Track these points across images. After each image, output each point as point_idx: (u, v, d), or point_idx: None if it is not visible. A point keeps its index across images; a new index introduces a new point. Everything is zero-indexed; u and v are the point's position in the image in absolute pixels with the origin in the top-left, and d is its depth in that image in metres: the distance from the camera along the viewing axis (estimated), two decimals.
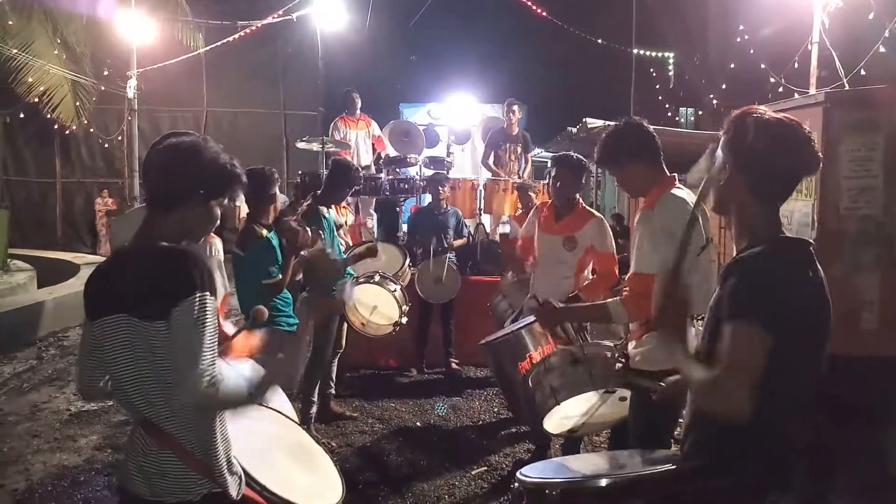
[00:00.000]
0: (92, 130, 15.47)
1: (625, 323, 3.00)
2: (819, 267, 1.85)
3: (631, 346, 2.98)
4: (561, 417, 2.91)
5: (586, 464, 2.54)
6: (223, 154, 2.05)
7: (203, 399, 1.84)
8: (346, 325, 5.43)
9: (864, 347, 4.65)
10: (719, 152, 1.95)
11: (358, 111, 8.69)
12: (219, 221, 2.13)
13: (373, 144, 8.80)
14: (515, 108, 8.52)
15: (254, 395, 1.99)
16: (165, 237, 1.97)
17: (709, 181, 1.98)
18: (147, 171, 2.03)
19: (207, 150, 2.02)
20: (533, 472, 2.12)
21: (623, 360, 2.94)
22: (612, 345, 2.99)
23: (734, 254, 1.91)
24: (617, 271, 4.24)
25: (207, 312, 1.86)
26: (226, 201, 2.09)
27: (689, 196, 2.94)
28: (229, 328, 3.05)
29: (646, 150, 3.03)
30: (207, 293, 1.87)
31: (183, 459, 1.92)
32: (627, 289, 2.91)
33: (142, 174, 2.08)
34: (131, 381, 1.92)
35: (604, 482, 1.97)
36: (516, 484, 2.09)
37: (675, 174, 3.04)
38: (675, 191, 2.93)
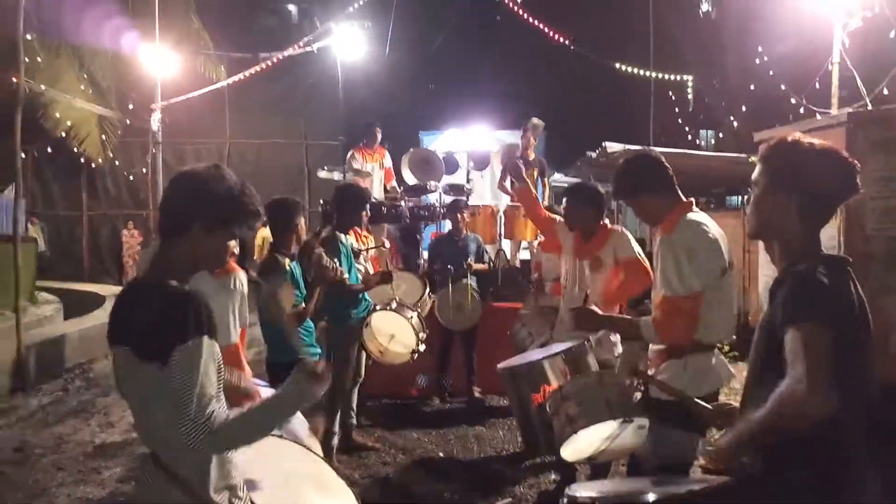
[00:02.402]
0: (117, 163, 15.71)
1: (654, 343, 2.98)
2: (857, 284, 1.87)
3: (650, 373, 2.97)
4: (578, 446, 2.88)
5: (629, 484, 2.52)
6: (232, 183, 2.02)
7: (201, 445, 1.86)
8: (364, 353, 5.42)
9: (893, 371, 4.54)
10: (759, 177, 1.98)
11: (377, 144, 8.79)
12: (236, 252, 2.13)
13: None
14: (531, 130, 8.52)
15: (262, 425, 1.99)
16: (176, 268, 1.99)
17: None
18: (162, 200, 2.07)
19: (210, 179, 2.00)
20: (581, 490, 2.12)
21: (643, 388, 2.92)
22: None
23: (770, 275, 1.92)
24: (650, 271, 4.11)
25: (202, 356, 1.86)
26: (240, 231, 2.06)
27: (705, 219, 2.97)
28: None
29: (659, 181, 3.08)
30: (203, 337, 1.87)
31: (185, 492, 1.92)
32: (659, 311, 2.91)
33: None
34: (135, 411, 1.98)
35: (652, 497, 1.96)
36: (565, 500, 2.08)
37: (692, 198, 3.07)
38: (691, 215, 2.97)
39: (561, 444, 2.83)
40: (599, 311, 3.07)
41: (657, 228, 3.09)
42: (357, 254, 5.64)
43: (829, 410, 1.65)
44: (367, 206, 5.40)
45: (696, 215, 2.98)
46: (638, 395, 2.92)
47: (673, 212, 3.00)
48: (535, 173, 8.62)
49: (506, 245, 8.67)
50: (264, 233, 5.14)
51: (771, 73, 11.67)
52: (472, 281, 6.79)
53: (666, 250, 2.90)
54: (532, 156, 8.58)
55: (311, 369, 2.03)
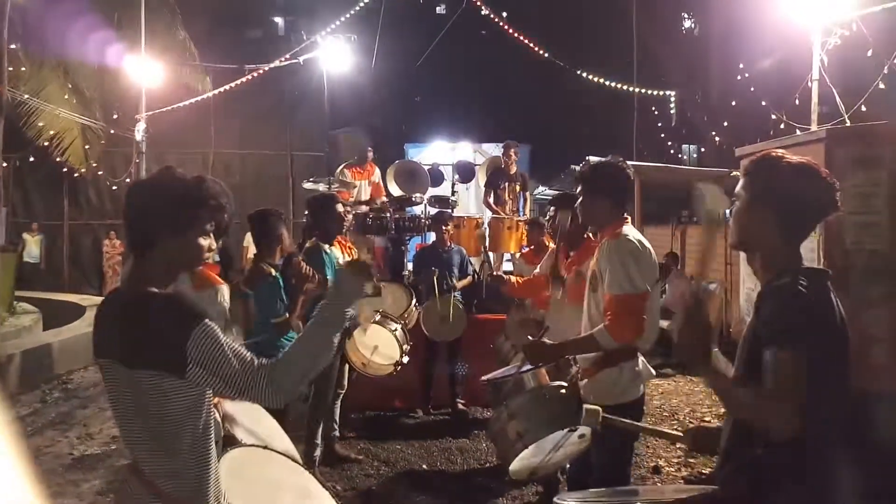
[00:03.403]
0: (100, 173, 15.60)
1: (613, 348, 3.03)
2: (837, 297, 1.92)
3: (583, 383, 3.12)
4: (525, 460, 2.92)
5: (614, 493, 2.62)
6: (187, 182, 2.00)
7: (275, 398, 1.87)
8: (346, 365, 5.39)
9: (874, 383, 4.59)
10: (741, 191, 2.04)
11: (367, 163, 8.77)
12: (212, 250, 2.11)
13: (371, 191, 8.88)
14: (513, 150, 8.58)
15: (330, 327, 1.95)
16: (153, 278, 1.96)
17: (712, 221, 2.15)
18: (123, 217, 2.02)
19: (163, 185, 1.98)
20: (569, 499, 2.18)
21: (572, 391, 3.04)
22: (565, 383, 3.08)
23: (752, 287, 2.00)
24: None
25: (215, 335, 1.85)
26: (210, 226, 2.04)
27: (639, 233, 3.24)
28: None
29: (622, 191, 3.31)
30: (205, 320, 1.86)
31: None
32: (609, 314, 2.96)
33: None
34: (123, 425, 1.94)
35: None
36: None
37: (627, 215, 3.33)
38: (628, 228, 3.21)
39: (511, 460, 2.87)
40: (549, 342, 3.11)
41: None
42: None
43: (790, 431, 1.73)
44: (340, 207, 5.33)
45: (633, 229, 3.22)
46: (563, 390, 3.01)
47: (616, 222, 3.21)
48: (518, 188, 8.69)
49: (490, 257, 8.69)
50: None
51: (752, 89, 11.82)
52: (457, 293, 6.79)
53: (614, 253, 3.07)
54: (514, 170, 8.64)
55: (351, 267, 2.03)
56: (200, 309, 1.91)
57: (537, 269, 5.04)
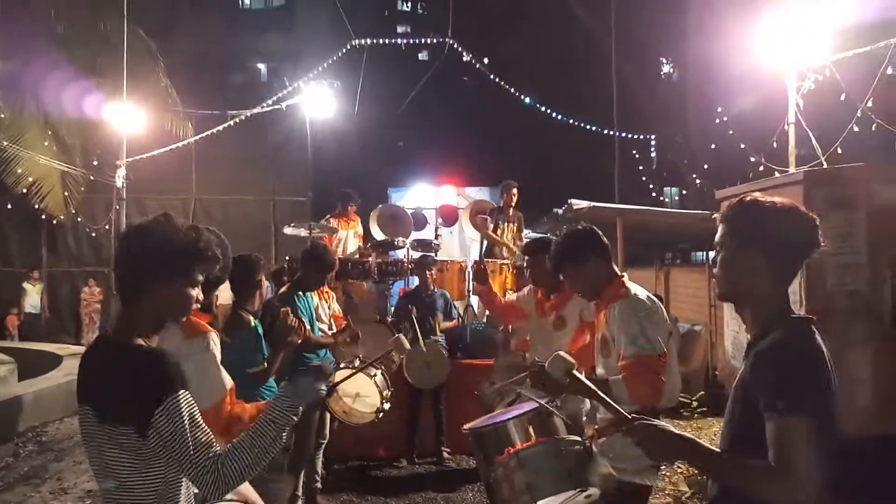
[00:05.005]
0: (80, 220, 15.46)
1: (625, 403, 2.95)
2: (825, 343, 1.89)
3: (601, 441, 2.97)
4: None
5: None
6: (184, 233, 2.00)
7: (216, 491, 1.87)
8: (328, 414, 5.28)
9: (858, 426, 4.55)
10: (724, 238, 1.99)
11: (352, 212, 8.78)
12: (200, 301, 2.10)
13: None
14: (514, 189, 8.63)
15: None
16: (141, 325, 1.96)
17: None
18: (115, 262, 2.03)
19: (162, 234, 1.97)
20: None
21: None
22: (580, 438, 2.94)
23: (737, 330, 1.95)
24: None
25: (182, 411, 1.84)
26: (201, 277, 2.05)
27: (638, 287, 3.18)
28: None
29: (604, 250, 3.25)
30: (177, 392, 1.85)
31: None
32: (627, 372, 2.90)
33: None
34: (98, 476, 1.94)
35: None
36: None
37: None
38: (632, 284, 3.15)
39: None
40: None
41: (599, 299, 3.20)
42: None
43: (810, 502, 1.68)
44: (332, 270, 5.30)
45: (635, 285, 3.16)
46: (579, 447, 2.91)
47: (615, 283, 3.15)
48: (514, 228, 8.73)
49: (474, 301, 8.65)
50: None
51: (731, 132, 12.01)
52: (440, 338, 6.71)
53: (626, 313, 2.99)
54: (511, 210, 8.70)
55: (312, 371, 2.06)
56: (180, 378, 1.89)
57: (514, 297, 5.03)
